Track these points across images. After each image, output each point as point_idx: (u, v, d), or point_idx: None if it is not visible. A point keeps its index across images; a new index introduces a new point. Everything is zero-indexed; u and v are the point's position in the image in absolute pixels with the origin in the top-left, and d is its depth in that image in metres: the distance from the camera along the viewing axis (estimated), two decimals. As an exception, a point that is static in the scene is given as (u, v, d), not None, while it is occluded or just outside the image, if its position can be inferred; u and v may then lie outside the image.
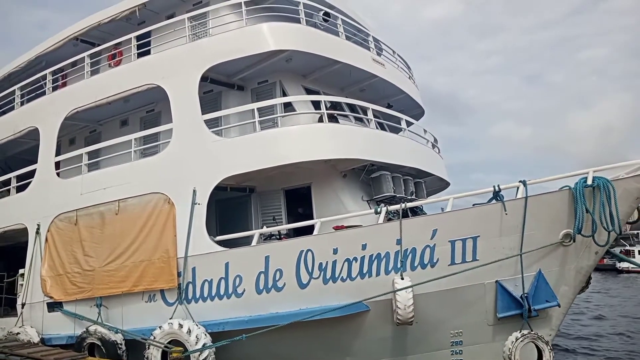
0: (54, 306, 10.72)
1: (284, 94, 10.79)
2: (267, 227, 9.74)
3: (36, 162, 13.89)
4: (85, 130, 13.33)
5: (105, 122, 12.89)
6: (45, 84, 12.48)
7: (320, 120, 10.11)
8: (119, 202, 10.10)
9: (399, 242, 8.21)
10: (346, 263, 8.44)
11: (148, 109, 12.16)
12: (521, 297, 8.00)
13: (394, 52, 13.29)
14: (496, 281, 8.10)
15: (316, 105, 10.45)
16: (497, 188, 8.12)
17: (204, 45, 10.12)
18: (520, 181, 8.10)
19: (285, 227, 9.53)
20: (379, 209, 8.57)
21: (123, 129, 12.54)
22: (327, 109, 10.11)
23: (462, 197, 8.52)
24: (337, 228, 9.06)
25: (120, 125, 12.70)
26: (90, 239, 10.37)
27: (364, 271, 8.38)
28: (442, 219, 8.23)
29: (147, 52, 11.33)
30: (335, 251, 8.47)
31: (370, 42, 12.16)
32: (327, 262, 8.50)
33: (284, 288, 8.76)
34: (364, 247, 8.37)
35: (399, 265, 8.23)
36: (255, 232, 9.14)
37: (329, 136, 9.63)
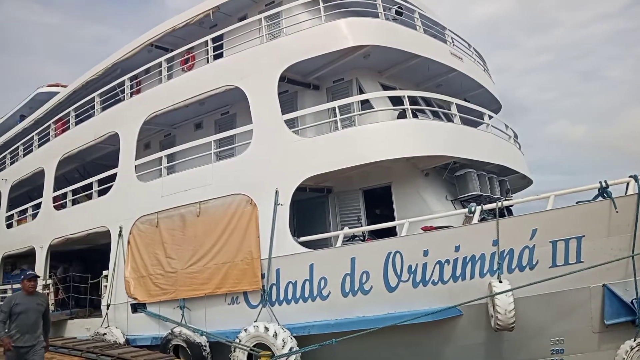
0: (137, 307, 10.88)
1: (361, 92, 10.51)
2: (350, 227, 9.46)
3: (113, 167, 14.34)
4: (160, 134, 13.55)
5: (180, 125, 13.05)
6: (123, 89, 12.74)
7: (399, 117, 9.81)
8: (199, 203, 10.11)
9: (495, 243, 7.72)
10: (437, 265, 8.03)
11: (223, 112, 12.20)
12: (632, 302, 7.35)
13: (469, 45, 12.75)
14: (603, 285, 7.46)
15: (394, 102, 10.15)
16: (604, 184, 7.50)
17: (283, 44, 9.99)
18: (630, 176, 7.45)
19: (369, 228, 9.21)
20: (472, 208, 8.12)
21: (197, 132, 12.65)
22: (411, 104, 9.82)
23: (564, 194, 7.92)
24: (425, 229, 8.68)
25: (195, 128, 12.82)
26: (171, 240, 10.45)
27: (457, 274, 7.94)
28: (542, 218, 7.66)
29: (220, 55, 11.36)
30: (425, 253, 8.08)
31: (446, 36, 11.70)
32: (417, 264, 8.12)
33: (370, 291, 8.45)
34: (457, 248, 7.93)
35: (495, 268, 7.75)
36: (340, 233, 8.89)
37: (413, 132, 9.27)
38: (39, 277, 6.72)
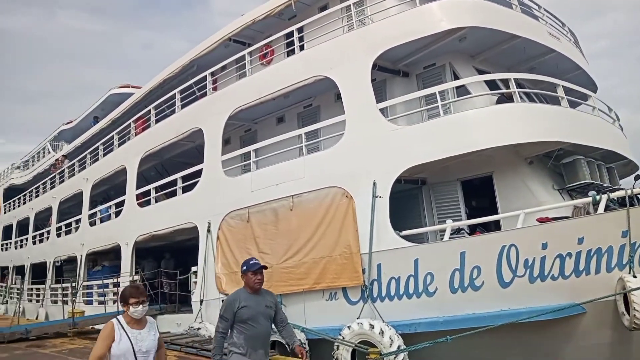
0: (229, 303, 10.82)
1: (456, 77, 9.98)
2: (454, 220, 8.99)
3: (190, 164, 14.43)
4: (240, 130, 13.49)
5: (261, 120, 12.93)
6: (205, 85, 12.73)
7: (498, 102, 9.25)
8: (292, 197, 9.90)
9: (625, 234, 7.07)
10: (558, 259, 7.44)
11: (306, 104, 11.96)
12: None
13: (563, 24, 11.94)
14: None
15: (490, 86, 9.59)
16: None
17: (374, 30, 9.60)
18: None
19: (477, 220, 8.67)
20: (597, 197, 7.48)
21: (280, 126, 12.49)
22: (506, 88, 9.24)
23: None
24: (541, 220, 8.10)
25: (277, 122, 12.66)
26: (264, 235, 10.31)
27: (580, 268, 7.33)
28: (682, 206, 6.97)
29: (301, 47, 11.10)
30: (544, 246, 7.50)
31: (542, 15, 10.97)
32: (534, 258, 7.56)
33: (482, 287, 7.96)
34: (580, 240, 7.31)
35: (624, 261, 7.10)
36: (447, 226, 8.44)
37: (524, 117, 8.68)
38: (266, 267, 5.18)
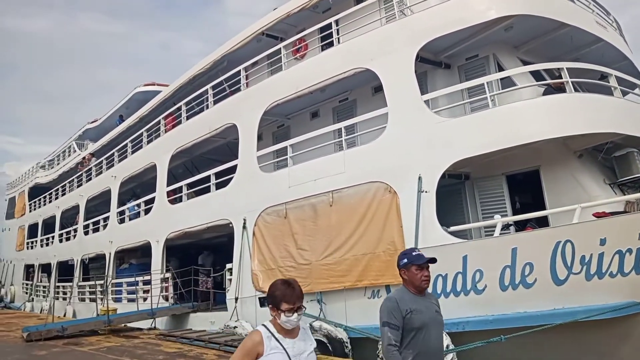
0: (265, 301, 10.63)
1: (500, 69, 9.66)
2: (501, 216, 8.68)
3: (220, 161, 14.29)
4: (272, 126, 13.29)
5: (294, 115, 12.71)
6: (239, 80, 12.56)
7: (545, 93, 8.91)
8: (332, 193, 9.67)
9: (691, 228, 6.71)
10: (617, 255, 7.08)
11: (341, 99, 11.72)
12: None
13: (607, 12, 11.52)
14: None
15: (535, 78, 9.26)
16: None
17: (417, 20, 9.32)
18: None
19: (528, 216, 8.34)
20: (661, 190, 7.13)
21: (314, 121, 12.27)
22: (551, 79, 8.91)
23: None
24: (597, 215, 7.76)
25: (311, 117, 12.43)
26: (302, 232, 10.09)
27: (642, 265, 6.98)
28: None
29: (331, 41, 10.88)
30: (602, 242, 7.14)
31: (588, 3, 10.58)
32: (591, 254, 7.21)
33: (534, 284, 7.64)
34: (642, 236, 6.97)
35: (690, 258, 6.73)
36: (498, 221, 8.13)
37: (577, 108, 8.32)
38: (435, 260, 4.09)
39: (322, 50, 11.27)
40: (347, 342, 9.02)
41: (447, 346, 7.87)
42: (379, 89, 11.10)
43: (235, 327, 10.59)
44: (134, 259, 18.46)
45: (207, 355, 8.91)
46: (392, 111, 9.23)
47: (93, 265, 21.62)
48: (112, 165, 18.97)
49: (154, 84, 22.28)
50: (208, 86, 13.49)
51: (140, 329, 12.59)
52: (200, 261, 14.89)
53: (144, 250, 17.99)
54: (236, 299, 11.05)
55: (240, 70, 12.52)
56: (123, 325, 12.58)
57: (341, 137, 10.61)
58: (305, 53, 11.95)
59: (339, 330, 9.10)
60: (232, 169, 12.66)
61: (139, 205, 16.47)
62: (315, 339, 9.24)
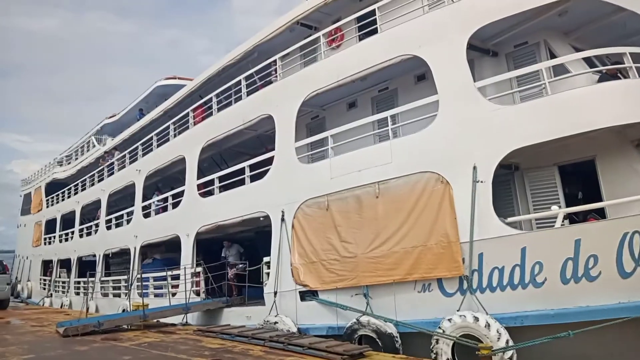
0: (306, 295, 10.38)
1: (553, 56, 9.31)
2: (560, 207, 8.37)
3: (250, 154, 14.04)
4: (306, 117, 12.97)
5: (330, 106, 12.41)
6: (273, 71, 12.30)
7: (600, 80, 8.57)
8: (378, 184, 9.39)
9: None
10: (689, 247, 6.80)
11: (381, 88, 11.41)
12: None
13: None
14: None
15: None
16: None
17: (469, 5, 8.99)
18: None
19: (592, 206, 8.02)
20: None
21: (351, 111, 11.97)
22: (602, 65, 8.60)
23: None
24: (663, 206, 7.44)
25: (348, 107, 12.14)
26: (346, 224, 9.82)
27: None
28: None
29: (375, 30, 10.56)
30: (674, 233, 6.87)
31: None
32: (662, 246, 6.93)
33: (598, 277, 7.35)
34: None
35: None
36: (560, 212, 7.84)
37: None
38: None
39: (360, 39, 10.99)
40: (397, 337, 8.76)
41: (507, 341, 7.60)
42: (422, 77, 10.83)
43: (275, 322, 10.34)
44: (158, 254, 18.26)
45: (253, 351, 8.67)
46: (444, 99, 8.92)
47: (114, 261, 21.46)
48: (136, 159, 18.76)
49: (175, 78, 22.09)
50: (241, 76, 13.21)
51: (174, 324, 12.37)
52: (223, 254, 14.47)
53: (169, 245, 17.78)
54: (275, 293, 10.79)
55: (275, 60, 12.23)
56: (155, 320, 12.37)
57: (381, 127, 10.38)
58: (341, 43, 11.66)
59: (388, 325, 8.83)
60: (264, 162, 12.46)
61: (165, 199, 16.23)
62: (363, 335, 9.07)
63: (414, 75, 10.81)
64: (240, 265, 13.49)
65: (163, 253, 18.27)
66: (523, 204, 9.59)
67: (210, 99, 14.56)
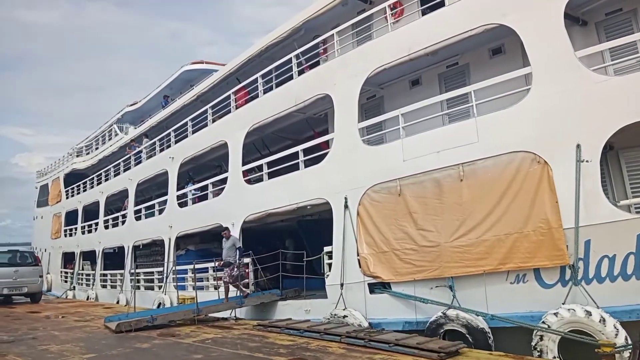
0: (376, 287, 9.63)
1: (651, 23, 8.47)
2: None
3: (293, 140, 13.27)
4: (361, 97, 12.11)
5: (389, 85, 11.57)
6: (319, 52, 11.47)
7: None
8: (462, 166, 8.58)
9: None
10: None
11: (449, 64, 10.56)
12: None
13: None
14: None
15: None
16: None
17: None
18: None
19: None
20: None
21: (415, 89, 11.15)
22: None
23: None
24: None
25: (411, 85, 11.30)
26: (423, 210, 9.03)
27: None
28: None
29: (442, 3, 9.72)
30: None
31: None
32: None
33: None
34: None
35: None
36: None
37: None
38: None
39: (423, 14, 10.15)
40: (489, 332, 8.01)
41: (626, 338, 6.84)
42: (497, 51, 10.00)
43: (344, 316, 9.60)
44: (192, 245, 17.56)
45: (331, 348, 7.93)
46: (538, 71, 8.07)
47: (141, 253, 20.76)
48: (168, 147, 17.97)
49: (202, 62, 21.28)
50: (292, 54, 12.36)
51: (225, 319, 11.66)
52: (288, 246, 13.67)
53: (204, 236, 17.08)
54: (341, 284, 10.03)
55: (324, 39, 11.40)
56: (203, 315, 11.63)
57: (451, 107, 9.60)
58: (401, 18, 10.81)
59: (479, 320, 8.07)
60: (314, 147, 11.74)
61: (204, 188, 15.47)
62: (450, 329, 8.31)
63: (489, 48, 9.97)
64: (235, 261, 11.68)
65: (197, 244, 17.58)
66: (618, 188, 8.79)
67: (253, 81, 13.75)
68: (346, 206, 10.24)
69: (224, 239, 12.13)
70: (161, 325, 10.47)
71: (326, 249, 10.70)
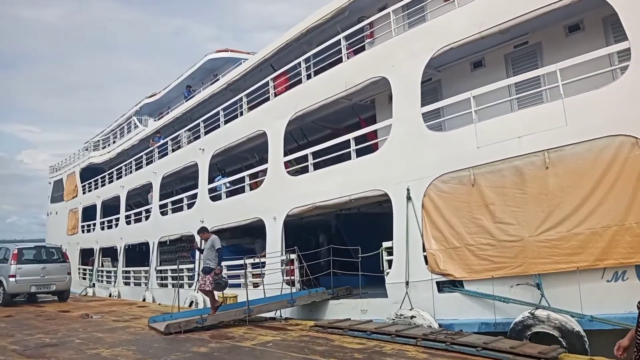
0: (445, 286, 8.90)
1: None
2: None
3: (333, 128, 12.51)
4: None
5: (448, 67, 10.77)
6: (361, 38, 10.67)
7: None
8: (547, 152, 7.81)
9: None
10: None
11: (517, 43, 9.76)
12: None
13: None
14: None
15: None
16: None
17: None
18: None
19: None
20: None
21: (477, 71, 10.36)
22: None
23: None
24: None
25: (472, 67, 10.50)
26: (502, 202, 8.27)
27: None
28: None
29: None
30: None
31: None
32: None
33: None
34: None
35: None
36: None
37: None
38: None
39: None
40: (585, 336, 7.26)
41: None
42: (575, 27, 9.19)
43: (412, 316, 8.88)
44: (223, 240, 16.82)
45: (409, 352, 7.23)
46: (637, 46, 7.29)
47: (163, 249, 20.08)
48: (196, 138, 17.25)
49: (227, 50, 20.54)
50: (340, 36, 11.59)
51: (273, 318, 10.96)
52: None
53: (234, 231, 16.37)
54: (407, 283, 9.29)
55: (389, 12, 10.59)
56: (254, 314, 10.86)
57: (519, 91, 8.86)
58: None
59: (574, 322, 7.33)
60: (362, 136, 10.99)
61: (240, 180, 14.74)
62: (540, 331, 7.56)
63: (564, 25, 9.17)
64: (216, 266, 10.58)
65: (228, 239, 16.86)
66: None
67: (293, 67, 13.00)
68: (409, 198, 9.49)
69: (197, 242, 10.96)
70: (210, 326, 9.77)
71: (385, 244, 9.95)
